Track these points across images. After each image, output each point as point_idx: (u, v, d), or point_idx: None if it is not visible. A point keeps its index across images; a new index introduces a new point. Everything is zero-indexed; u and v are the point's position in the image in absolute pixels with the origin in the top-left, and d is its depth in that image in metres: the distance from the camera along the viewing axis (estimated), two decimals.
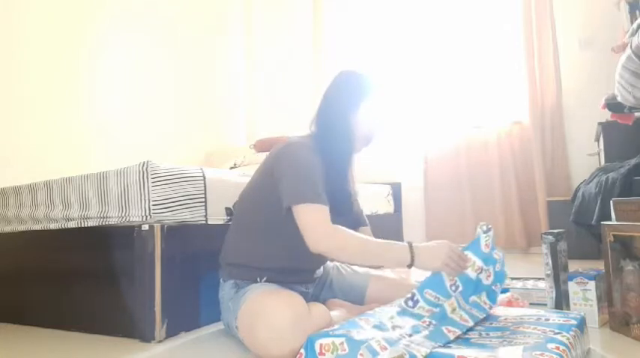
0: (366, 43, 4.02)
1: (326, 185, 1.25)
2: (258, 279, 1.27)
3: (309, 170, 1.23)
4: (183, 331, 1.44)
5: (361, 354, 0.87)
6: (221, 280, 1.35)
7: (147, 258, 1.37)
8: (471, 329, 1.02)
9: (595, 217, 1.97)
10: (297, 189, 1.20)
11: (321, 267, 1.49)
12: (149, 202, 1.38)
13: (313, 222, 1.17)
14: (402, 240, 1.21)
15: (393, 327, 1.00)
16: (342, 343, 0.90)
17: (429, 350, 0.85)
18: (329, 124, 1.34)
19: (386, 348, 0.87)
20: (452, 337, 0.94)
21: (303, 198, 1.18)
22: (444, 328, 0.98)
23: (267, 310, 1.10)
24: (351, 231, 1.21)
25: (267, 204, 1.26)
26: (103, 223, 1.49)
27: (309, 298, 1.33)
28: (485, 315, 1.12)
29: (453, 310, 1.08)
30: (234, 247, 1.35)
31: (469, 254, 1.16)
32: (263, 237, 1.29)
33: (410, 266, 1.16)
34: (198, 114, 3.84)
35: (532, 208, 3.30)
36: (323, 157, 1.28)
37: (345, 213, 1.36)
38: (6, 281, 1.79)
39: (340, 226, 1.19)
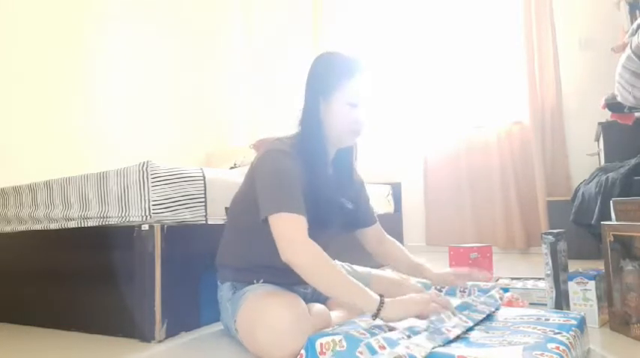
0: (366, 44, 4.02)
1: (309, 193, 1.16)
2: (255, 281, 1.26)
3: (284, 177, 1.14)
4: (183, 331, 1.44)
5: (360, 352, 0.88)
6: (218, 282, 1.35)
7: (147, 258, 1.37)
8: (470, 328, 1.02)
9: (595, 217, 1.97)
10: (271, 198, 1.13)
11: None
12: (149, 202, 1.38)
13: (288, 232, 1.10)
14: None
15: (392, 328, 1.00)
16: (340, 340, 0.91)
17: (428, 351, 0.85)
18: (303, 119, 1.26)
19: (385, 348, 0.87)
20: (452, 336, 0.94)
21: (278, 208, 1.11)
22: (443, 328, 0.98)
23: (266, 311, 1.09)
24: (327, 256, 1.09)
25: (257, 206, 1.19)
26: (103, 223, 1.49)
27: (308, 298, 1.32)
28: (484, 315, 1.12)
29: (450, 316, 1.07)
30: (229, 249, 1.34)
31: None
32: (256, 238, 1.24)
33: (374, 317, 1.03)
34: (198, 114, 3.84)
35: (532, 208, 3.30)
36: (304, 160, 1.20)
37: (331, 225, 1.27)
38: (6, 281, 1.79)
39: (317, 245, 1.09)
